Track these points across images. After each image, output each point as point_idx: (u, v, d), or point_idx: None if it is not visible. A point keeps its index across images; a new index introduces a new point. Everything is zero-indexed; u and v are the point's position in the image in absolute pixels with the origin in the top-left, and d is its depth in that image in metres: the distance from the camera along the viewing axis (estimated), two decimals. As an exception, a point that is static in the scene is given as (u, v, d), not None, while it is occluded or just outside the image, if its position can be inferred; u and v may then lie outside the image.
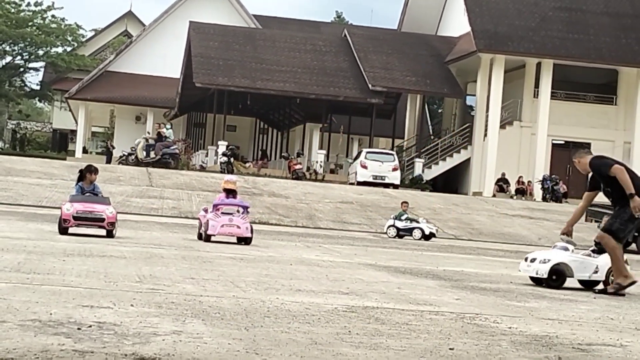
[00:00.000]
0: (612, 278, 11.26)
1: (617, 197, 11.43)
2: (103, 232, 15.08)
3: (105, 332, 5.94)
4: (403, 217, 24.07)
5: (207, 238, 15.67)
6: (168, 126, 42.66)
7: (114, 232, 15.03)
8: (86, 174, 15.84)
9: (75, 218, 14.90)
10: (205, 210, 16.38)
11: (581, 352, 6.53)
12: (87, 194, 15.54)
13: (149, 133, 48.25)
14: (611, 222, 11.36)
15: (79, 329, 5.99)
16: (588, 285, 11.64)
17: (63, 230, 14.95)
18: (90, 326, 6.11)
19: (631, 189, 11.13)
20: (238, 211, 15.91)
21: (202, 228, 16.04)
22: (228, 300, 8.03)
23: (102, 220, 14.91)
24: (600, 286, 11.42)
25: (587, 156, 11.93)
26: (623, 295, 11.06)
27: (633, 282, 11.19)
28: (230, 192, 16.41)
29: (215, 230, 15.54)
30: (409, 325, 7.26)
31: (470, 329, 7.25)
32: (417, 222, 24.02)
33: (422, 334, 6.81)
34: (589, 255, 11.63)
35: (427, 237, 23.69)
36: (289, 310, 7.59)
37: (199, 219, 16.80)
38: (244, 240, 15.70)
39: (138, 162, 38.87)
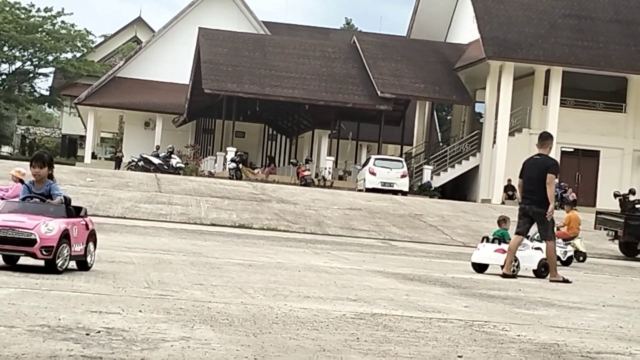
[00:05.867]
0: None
1: None
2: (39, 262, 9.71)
3: (114, 337, 5.94)
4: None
5: None
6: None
7: (60, 263, 9.54)
8: (31, 167, 10.16)
9: None
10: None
11: (590, 361, 6.51)
12: (31, 200, 10.01)
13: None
14: None
15: (87, 334, 6.00)
16: None
17: None
18: (98, 332, 6.11)
19: None
20: None
21: None
22: (236, 306, 8.03)
23: (30, 243, 9.34)
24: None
25: None
26: None
27: None
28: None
29: None
30: (418, 332, 7.25)
31: (479, 337, 7.24)
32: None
33: (430, 342, 6.80)
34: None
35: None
36: (297, 317, 7.59)
37: None
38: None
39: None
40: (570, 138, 46.81)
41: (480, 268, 14.83)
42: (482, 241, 15.29)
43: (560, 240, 14.58)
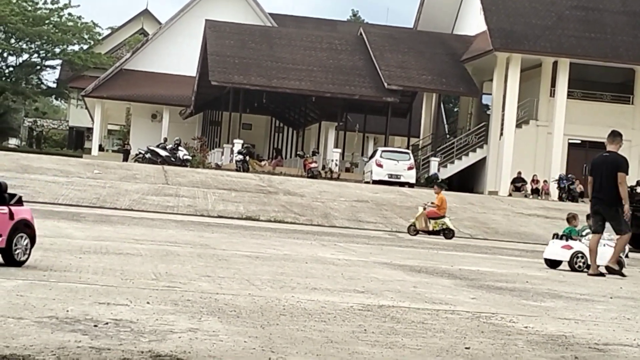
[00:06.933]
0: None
1: None
2: None
3: (122, 329, 5.95)
4: (585, 232, 16.21)
5: None
6: None
7: None
8: None
9: None
10: None
11: (598, 352, 6.50)
12: None
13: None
14: None
15: (95, 326, 6.01)
16: None
17: None
18: (106, 323, 6.13)
19: None
20: None
21: None
22: (244, 298, 8.04)
23: None
24: None
25: None
26: None
27: None
28: None
29: None
30: (425, 324, 7.25)
31: (487, 328, 7.24)
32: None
33: (438, 333, 6.80)
34: None
35: None
36: (305, 309, 7.59)
37: None
38: None
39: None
40: (577, 130, 46.72)
41: (552, 264, 15.23)
42: (552, 238, 15.79)
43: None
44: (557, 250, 15.31)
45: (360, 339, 6.27)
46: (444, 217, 23.92)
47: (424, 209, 24.12)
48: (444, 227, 23.66)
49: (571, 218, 16.37)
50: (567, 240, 15.34)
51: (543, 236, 27.34)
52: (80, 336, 5.61)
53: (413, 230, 23.81)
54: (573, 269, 14.77)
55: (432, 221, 23.76)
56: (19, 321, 5.98)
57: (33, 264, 9.54)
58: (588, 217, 15.85)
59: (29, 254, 9.47)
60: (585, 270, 14.56)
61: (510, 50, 46.07)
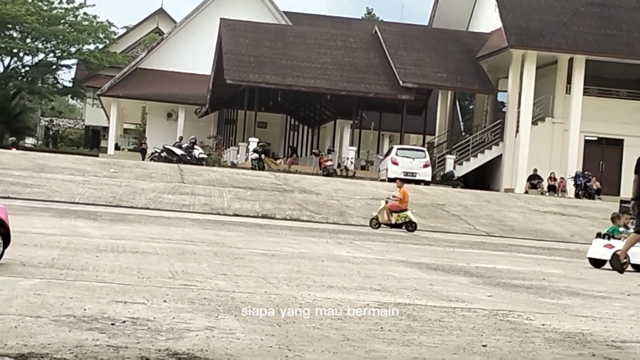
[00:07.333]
0: None
1: None
2: None
3: (139, 327, 5.97)
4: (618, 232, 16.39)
5: None
6: None
7: None
8: None
9: None
10: None
11: (615, 349, 6.48)
12: None
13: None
14: None
15: (112, 324, 6.03)
16: None
17: None
18: (124, 322, 6.14)
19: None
20: None
21: None
22: (260, 296, 8.05)
23: None
24: None
25: None
26: None
27: None
28: None
29: None
30: (442, 322, 7.24)
31: (503, 326, 7.22)
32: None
33: (454, 331, 6.79)
34: None
35: None
36: (321, 307, 7.59)
37: None
38: None
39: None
40: (593, 127, 46.54)
41: (596, 263, 15.35)
42: (596, 237, 15.96)
43: None
44: (599, 249, 15.47)
45: (377, 337, 6.26)
46: (406, 210, 24.41)
47: (387, 202, 24.54)
48: (407, 219, 24.18)
49: (615, 217, 16.59)
50: (609, 239, 15.50)
51: (560, 233, 27.27)
52: (98, 334, 5.62)
53: (375, 223, 24.17)
54: (614, 268, 14.75)
55: (395, 214, 24.24)
56: (36, 320, 6.00)
57: (50, 262, 9.57)
58: (613, 219, 16.02)
59: (2, 253, 9.13)
60: (628, 269, 14.66)
61: (526, 47, 45.91)
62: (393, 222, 24.16)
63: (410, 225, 24.15)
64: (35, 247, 11.02)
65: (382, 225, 24.12)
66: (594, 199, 41.29)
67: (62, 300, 6.90)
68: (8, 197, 22.98)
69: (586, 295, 10.22)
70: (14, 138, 58.57)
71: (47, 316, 6.17)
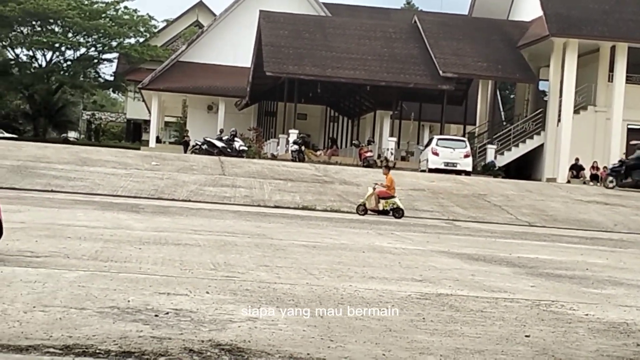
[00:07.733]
0: None
1: None
2: None
3: (182, 319, 6.01)
4: None
5: None
6: None
7: None
8: None
9: None
10: None
11: (660, 340, 6.42)
12: None
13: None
14: None
15: (156, 315, 6.08)
16: None
17: None
18: (167, 313, 6.19)
19: None
20: None
21: None
22: (302, 287, 8.06)
23: None
24: None
25: None
26: None
27: None
28: None
29: None
30: (484, 312, 7.22)
31: (546, 316, 7.18)
32: None
33: (497, 321, 6.77)
34: None
35: None
36: (363, 297, 7.60)
37: None
38: None
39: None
40: (636, 115, 46.06)
41: None
42: None
43: None
44: None
45: (419, 328, 6.26)
46: (394, 197, 24.53)
47: (374, 188, 24.58)
48: (394, 206, 24.28)
49: None
50: None
51: (602, 223, 27.02)
52: (142, 326, 5.67)
53: (362, 209, 24.20)
54: None
55: (383, 201, 24.34)
56: (81, 312, 6.06)
57: (94, 255, 9.66)
58: None
59: None
60: None
61: (567, 35, 45.50)
62: (381, 208, 24.30)
63: (398, 212, 24.19)
64: (79, 240, 11.13)
65: (368, 212, 24.22)
66: (638, 187, 40.85)
67: (105, 292, 6.97)
68: (52, 191, 23.23)
69: (630, 285, 10.12)
70: (65, 135, 59.10)
71: (92, 308, 6.23)
